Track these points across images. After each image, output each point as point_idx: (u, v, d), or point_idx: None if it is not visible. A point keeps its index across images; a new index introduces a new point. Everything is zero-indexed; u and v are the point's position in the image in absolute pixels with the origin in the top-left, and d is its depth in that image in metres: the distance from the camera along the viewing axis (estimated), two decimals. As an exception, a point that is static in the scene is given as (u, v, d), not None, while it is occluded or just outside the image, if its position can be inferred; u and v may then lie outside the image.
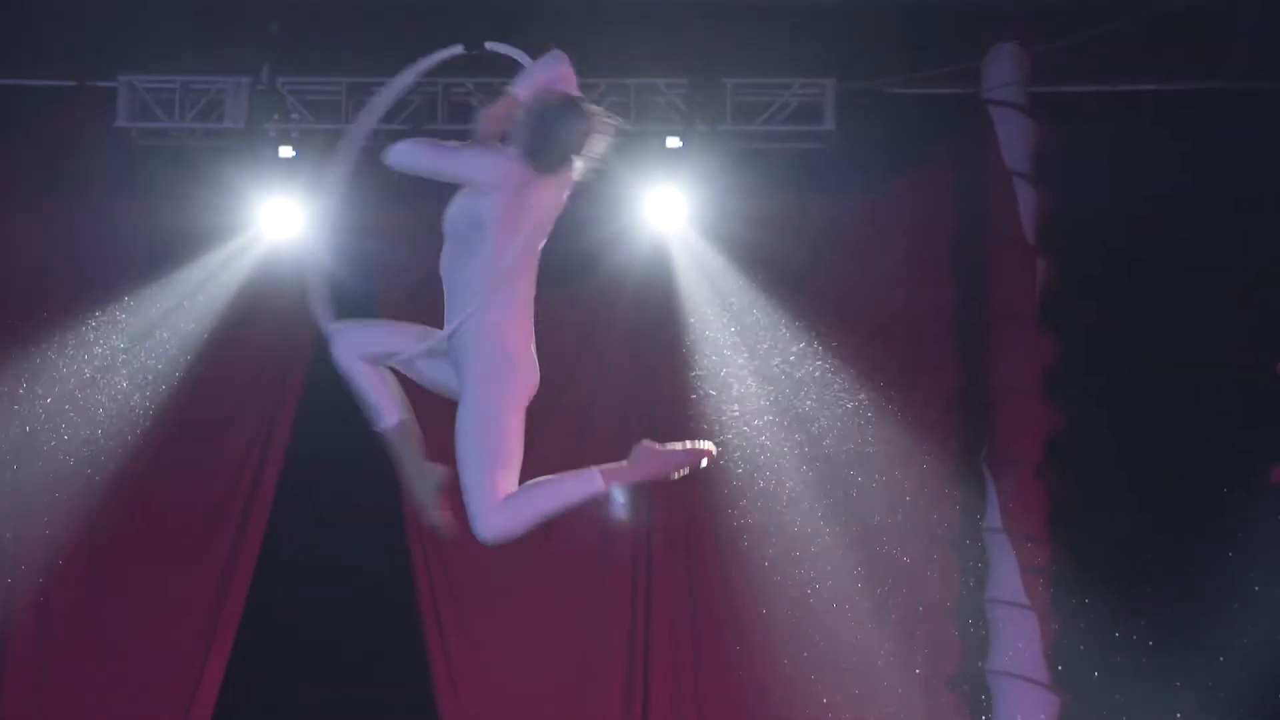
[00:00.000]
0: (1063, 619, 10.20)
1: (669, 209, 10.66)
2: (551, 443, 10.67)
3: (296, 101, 10.73)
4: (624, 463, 5.59)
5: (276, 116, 10.61)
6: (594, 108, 5.76)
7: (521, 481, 5.50)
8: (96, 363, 10.74)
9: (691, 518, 10.63)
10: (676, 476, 5.73)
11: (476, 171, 5.62)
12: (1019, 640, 10.16)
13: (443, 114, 10.72)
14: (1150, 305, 10.40)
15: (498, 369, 5.65)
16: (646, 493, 10.56)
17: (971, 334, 10.79)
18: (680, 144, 10.56)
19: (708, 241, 10.72)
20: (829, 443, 10.57)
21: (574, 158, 5.73)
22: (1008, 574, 10.28)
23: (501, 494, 5.48)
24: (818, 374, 10.63)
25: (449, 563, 10.55)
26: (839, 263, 10.77)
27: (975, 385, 10.69)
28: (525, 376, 5.73)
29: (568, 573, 10.66)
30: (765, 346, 10.71)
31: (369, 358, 5.80)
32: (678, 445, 5.65)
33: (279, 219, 10.62)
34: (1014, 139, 10.75)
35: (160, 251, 10.70)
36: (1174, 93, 10.80)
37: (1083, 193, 10.49)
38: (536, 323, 10.72)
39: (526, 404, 5.68)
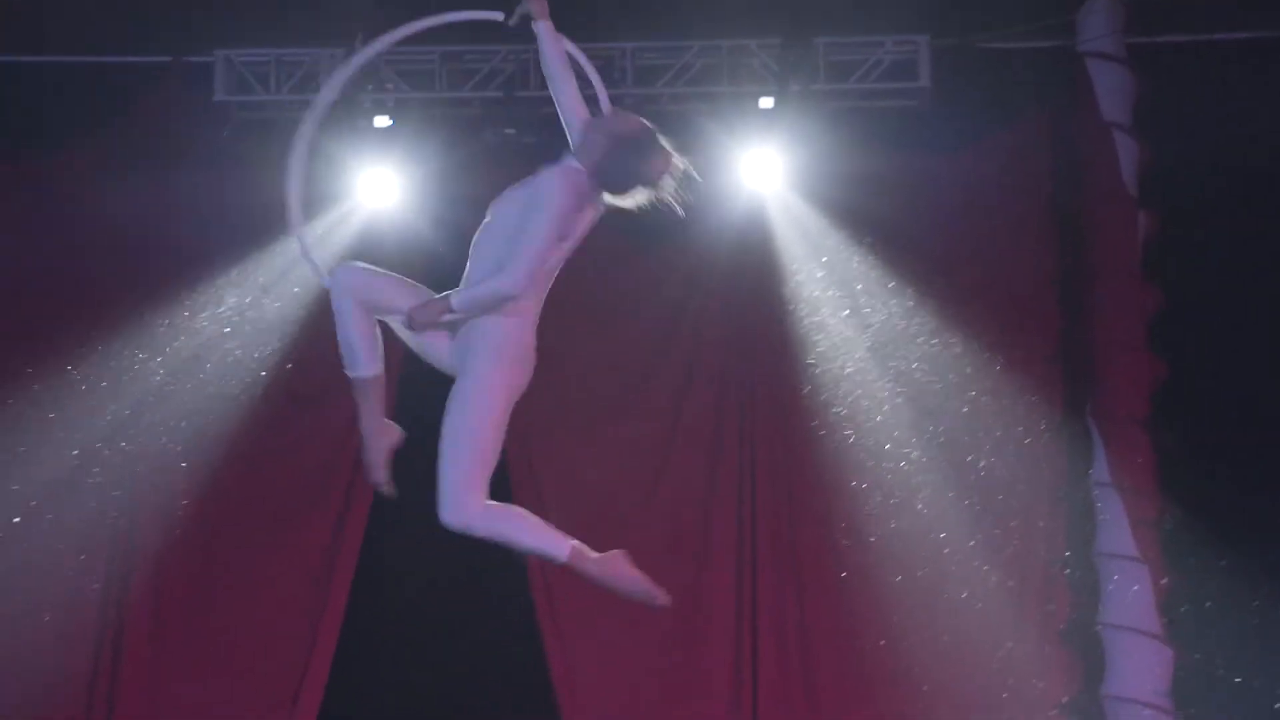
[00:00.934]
0: (1174, 571, 10.12)
1: (764, 170, 10.64)
2: (648, 415, 10.76)
3: (391, 71, 10.78)
4: (595, 555, 5.73)
5: (371, 87, 10.66)
6: (669, 147, 5.85)
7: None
8: (200, 338, 10.85)
9: (796, 477, 10.62)
10: (620, 595, 5.80)
11: (561, 221, 5.74)
12: (1130, 593, 10.11)
13: (535, 80, 10.73)
14: (1253, 254, 10.29)
15: (509, 367, 5.78)
16: (750, 446, 10.63)
17: (1073, 288, 10.70)
18: (774, 105, 10.53)
19: (805, 201, 10.69)
20: (933, 399, 10.53)
21: (641, 189, 5.75)
22: (1117, 527, 10.22)
23: (477, 485, 5.64)
24: (920, 331, 10.59)
25: (556, 525, 10.58)
26: (937, 220, 10.70)
27: (1078, 339, 10.60)
28: (528, 377, 5.85)
29: (674, 523, 10.68)
30: (866, 305, 10.68)
31: (366, 304, 5.84)
32: (643, 579, 5.77)
33: (377, 188, 10.68)
34: (1112, 91, 10.65)
35: (260, 224, 10.74)
36: (1273, 40, 10.64)
37: (1183, 143, 10.37)
38: (632, 288, 10.86)
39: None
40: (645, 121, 5.88)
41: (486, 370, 5.73)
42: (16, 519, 10.53)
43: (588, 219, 5.92)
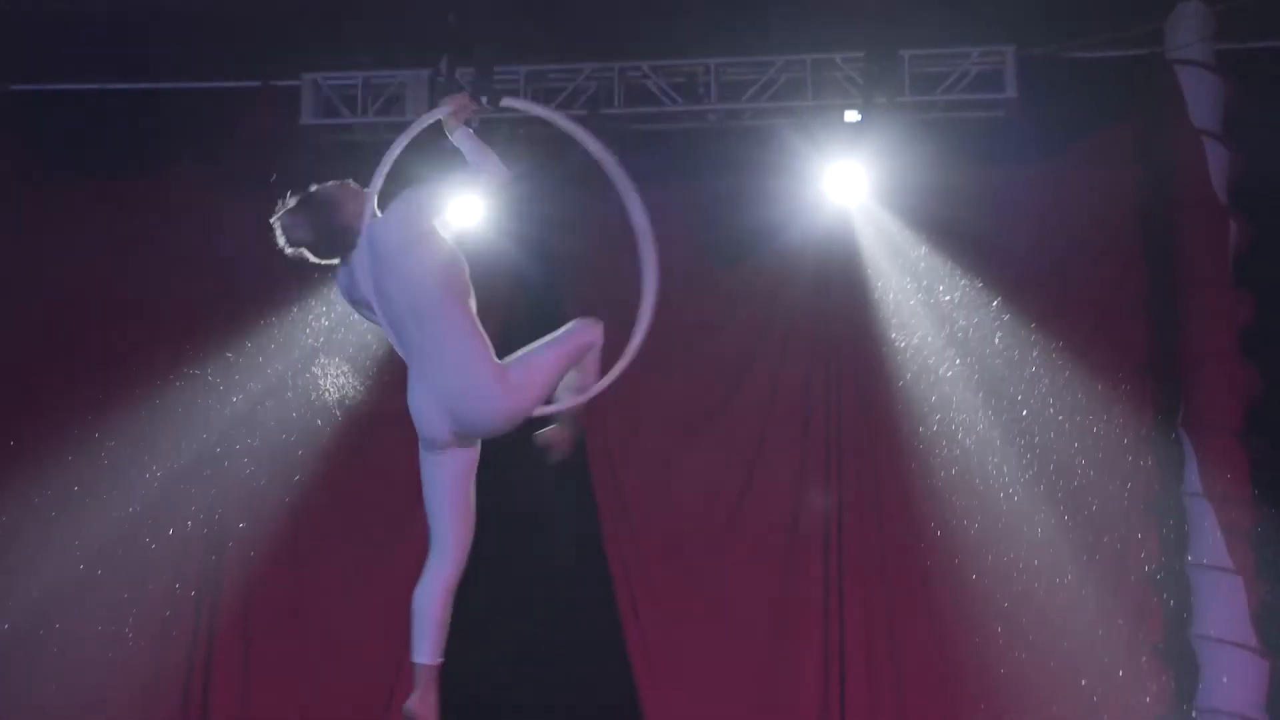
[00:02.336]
0: (1270, 582, 9.99)
1: (849, 184, 10.62)
2: (733, 429, 10.75)
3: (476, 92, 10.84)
4: None
5: (456, 108, 10.71)
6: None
7: None
8: (294, 355, 10.96)
9: (883, 492, 10.58)
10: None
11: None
12: (1224, 604, 9.98)
13: (620, 98, 10.77)
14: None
15: None
16: (838, 458, 10.59)
17: (1163, 298, 10.60)
18: (859, 118, 10.51)
19: (891, 214, 10.66)
20: (1023, 411, 10.46)
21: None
22: (1210, 538, 10.10)
23: None
24: (1008, 342, 10.52)
25: (643, 546, 10.62)
26: (1025, 231, 10.64)
27: (1169, 349, 10.50)
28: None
29: (759, 540, 10.66)
30: (954, 316, 10.63)
31: None
32: None
33: (463, 210, 10.73)
34: (1202, 98, 10.55)
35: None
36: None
37: (1275, 150, 10.24)
38: (718, 303, 10.84)
39: None
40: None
41: None
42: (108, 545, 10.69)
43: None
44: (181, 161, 11.17)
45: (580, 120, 6.66)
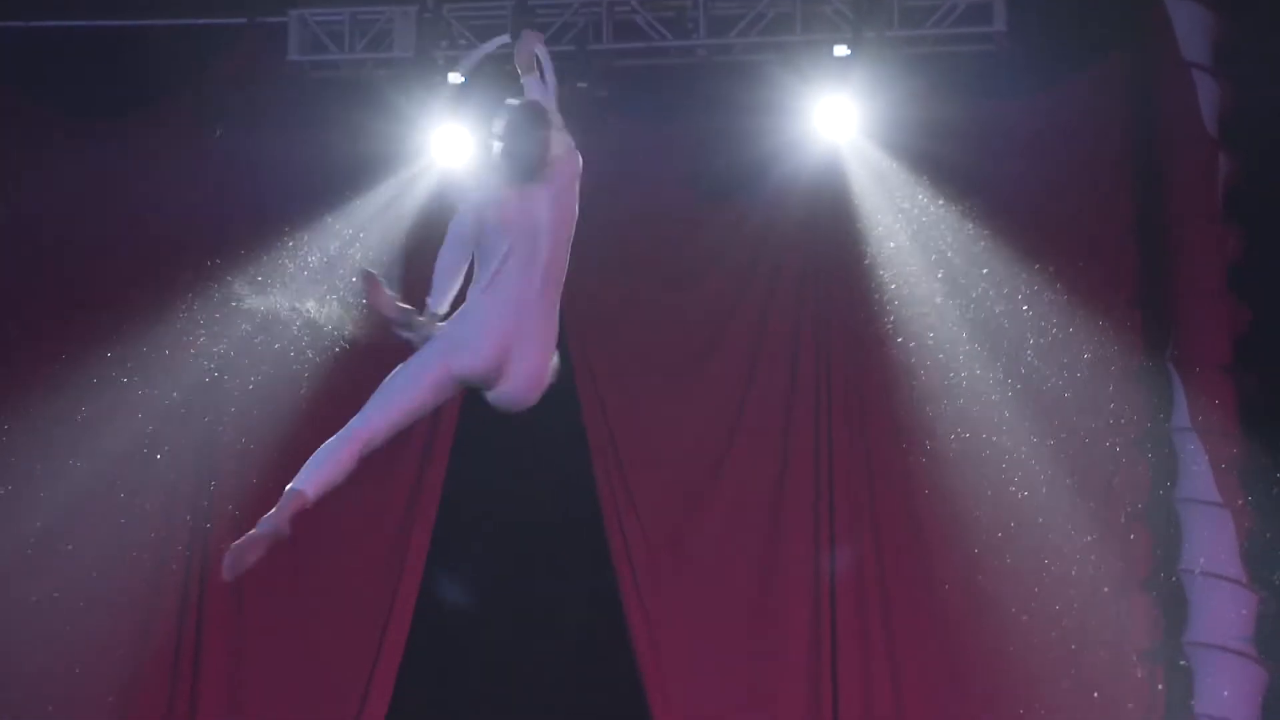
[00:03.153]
0: (1257, 516, 10.04)
1: (839, 119, 10.57)
2: (724, 370, 10.76)
3: (463, 27, 10.79)
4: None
5: (444, 43, 10.68)
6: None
7: None
8: (279, 295, 10.92)
9: (874, 429, 10.61)
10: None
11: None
12: (1213, 538, 10.03)
13: (607, 34, 10.72)
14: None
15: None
16: (827, 394, 10.61)
17: (1152, 232, 10.60)
18: (848, 52, 10.46)
19: (881, 149, 10.63)
20: (1012, 347, 10.47)
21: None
22: (1199, 472, 10.13)
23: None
24: (999, 278, 10.52)
25: (633, 487, 10.64)
26: (1014, 165, 10.60)
27: (1158, 284, 10.51)
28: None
29: (749, 480, 10.69)
30: (944, 251, 10.62)
31: None
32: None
33: (451, 145, 10.70)
34: (1191, 30, 10.51)
35: (336, 182, 10.83)
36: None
37: (1265, 83, 10.21)
38: (706, 242, 10.82)
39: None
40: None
41: None
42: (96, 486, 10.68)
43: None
44: (168, 99, 11.11)
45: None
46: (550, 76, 6.45)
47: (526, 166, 6.05)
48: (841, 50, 10.47)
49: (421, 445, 10.77)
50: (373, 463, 10.57)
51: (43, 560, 10.64)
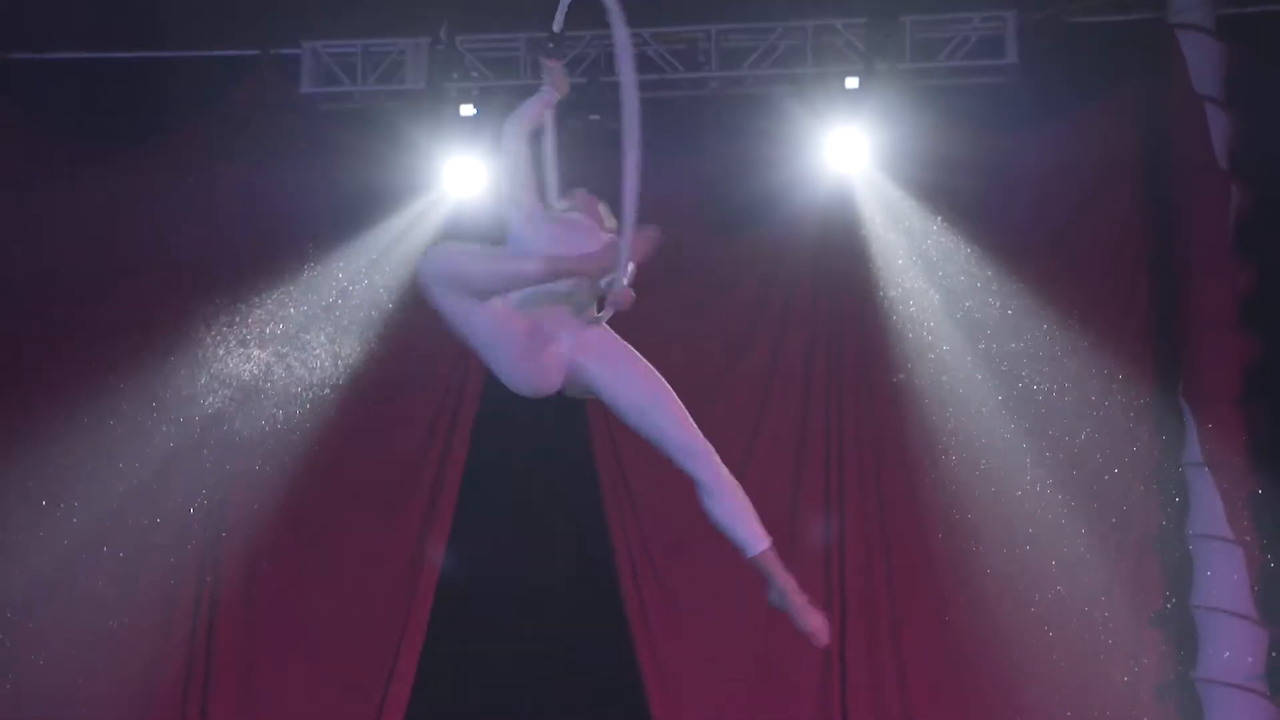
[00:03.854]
0: (1269, 552, 10.00)
1: (850, 150, 10.59)
2: (735, 399, 10.74)
3: (475, 59, 10.82)
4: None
5: (456, 75, 10.71)
6: None
7: None
8: (293, 326, 10.95)
9: (885, 457, 10.59)
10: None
11: None
12: (1224, 574, 10.00)
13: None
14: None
15: None
16: (838, 426, 10.58)
17: (1164, 265, 10.59)
18: (860, 84, 10.48)
19: (892, 181, 10.64)
20: (1023, 378, 10.46)
21: None
22: (1210, 507, 10.11)
23: None
24: (1011, 310, 10.51)
25: (643, 520, 10.62)
26: (1026, 197, 10.62)
27: (1169, 317, 10.49)
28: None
29: (761, 512, 10.65)
30: (957, 284, 10.62)
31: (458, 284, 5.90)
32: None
33: (463, 177, 10.73)
34: (1203, 63, 10.52)
35: (349, 213, 10.87)
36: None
37: (1277, 116, 10.21)
38: (719, 272, 10.83)
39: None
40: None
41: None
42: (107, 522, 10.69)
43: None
44: (182, 130, 11.15)
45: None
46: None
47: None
48: (853, 82, 10.51)
49: (435, 466, 10.77)
50: (384, 484, 10.73)
51: (54, 591, 10.63)
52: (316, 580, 10.81)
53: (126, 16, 10.81)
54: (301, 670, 10.69)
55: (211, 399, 10.89)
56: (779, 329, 10.87)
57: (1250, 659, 9.93)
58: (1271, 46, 10.38)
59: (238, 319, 10.92)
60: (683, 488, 10.48)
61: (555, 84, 6.38)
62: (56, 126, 11.23)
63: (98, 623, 10.58)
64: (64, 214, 11.07)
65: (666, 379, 10.60)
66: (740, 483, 10.50)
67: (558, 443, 10.54)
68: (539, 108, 6.38)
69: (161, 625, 10.68)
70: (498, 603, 10.70)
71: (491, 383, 10.76)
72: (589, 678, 10.71)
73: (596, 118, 10.40)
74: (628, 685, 10.51)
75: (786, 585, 6.07)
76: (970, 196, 10.58)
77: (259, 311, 10.94)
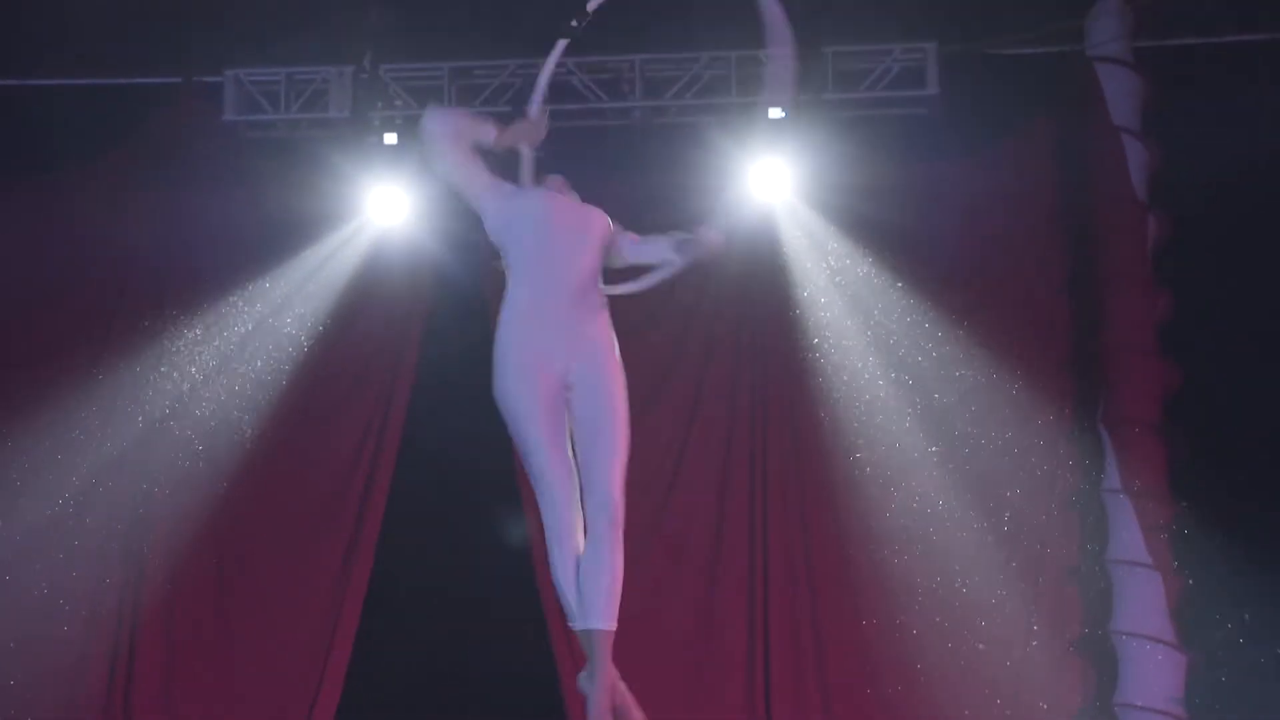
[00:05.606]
0: (1186, 577, 10.09)
1: (773, 180, 10.64)
2: (661, 426, 10.76)
3: (400, 88, 10.82)
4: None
5: (380, 104, 10.71)
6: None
7: None
8: (215, 353, 10.92)
9: (808, 486, 10.62)
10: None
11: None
12: (1143, 599, 10.08)
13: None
14: (1264, 258, 10.23)
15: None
16: (762, 456, 10.61)
17: (1083, 294, 10.68)
18: (783, 114, 10.53)
19: (814, 211, 10.69)
20: (944, 406, 10.53)
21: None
22: (1129, 533, 10.19)
23: None
24: (930, 339, 10.58)
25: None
26: (947, 227, 10.70)
27: (1089, 345, 10.58)
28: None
29: (684, 538, 10.68)
30: (877, 314, 10.68)
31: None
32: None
33: (386, 205, 10.72)
34: (1121, 95, 10.65)
35: (272, 241, 10.85)
36: (1281, 41, 10.62)
37: (1193, 147, 10.32)
38: (642, 300, 10.84)
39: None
40: None
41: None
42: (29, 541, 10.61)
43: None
44: (104, 157, 11.09)
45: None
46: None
47: None
48: (776, 112, 10.54)
49: (361, 488, 10.74)
50: (310, 507, 10.68)
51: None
52: (241, 601, 10.77)
53: (47, 42, 10.74)
54: (224, 693, 10.62)
55: (133, 425, 10.81)
56: (703, 359, 10.90)
57: (1169, 683, 10.00)
58: (1187, 78, 10.50)
59: (158, 347, 10.85)
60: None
61: (525, 136, 6.27)
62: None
63: (12, 643, 10.51)
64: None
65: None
66: (666, 504, 10.62)
67: (483, 465, 10.47)
68: (476, 135, 6.34)
69: (83, 649, 10.60)
70: (421, 633, 10.66)
71: (417, 404, 10.81)
72: (512, 698, 10.67)
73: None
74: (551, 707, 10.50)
75: (606, 678, 5.95)
76: (893, 226, 10.64)
77: (182, 337, 10.89)
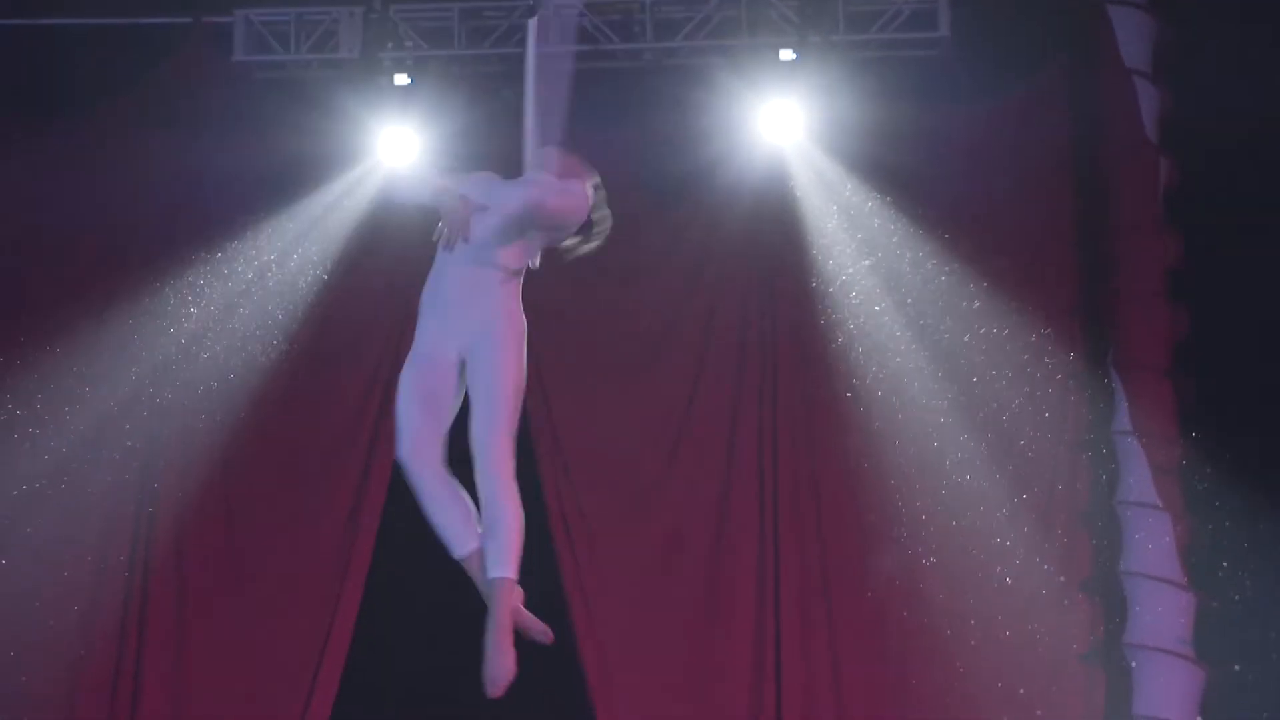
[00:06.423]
0: (1195, 518, 10.14)
1: (784, 123, 10.62)
2: (669, 373, 10.78)
3: (409, 29, 10.80)
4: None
5: (390, 44, 10.68)
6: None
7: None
8: (225, 295, 10.92)
9: (818, 433, 10.63)
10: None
11: None
12: (1152, 541, 10.11)
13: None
14: (1276, 201, 10.22)
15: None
16: (771, 399, 10.63)
17: (1093, 238, 10.68)
18: (794, 56, 10.52)
19: (825, 154, 10.68)
20: (954, 351, 10.53)
21: None
22: (1139, 476, 10.21)
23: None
24: (941, 282, 10.58)
25: (578, 487, 10.65)
26: (957, 170, 10.68)
27: (1099, 289, 10.59)
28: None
29: (695, 482, 10.71)
30: (888, 257, 10.67)
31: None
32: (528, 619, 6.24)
33: (397, 146, 10.70)
34: (1133, 38, 10.60)
35: (282, 183, 10.82)
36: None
37: (1205, 90, 10.30)
38: (652, 246, 10.87)
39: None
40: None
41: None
42: (41, 484, 10.63)
43: None
44: (113, 99, 11.07)
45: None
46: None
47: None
48: (787, 54, 10.54)
49: (369, 434, 10.76)
50: (317, 453, 10.71)
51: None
52: (249, 553, 10.78)
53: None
54: (234, 650, 10.65)
55: (141, 369, 10.82)
56: (713, 298, 10.88)
57: (1178, 623, 10.04)
58: (1199, 20, 10.45)
59: (169, 289, 10.86)
60: (626, 484, 10.62)
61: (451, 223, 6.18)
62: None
63: (27, 595, 10.53)
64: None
65: (600, 357, 10.74)
66: (675, 451, 10.63)
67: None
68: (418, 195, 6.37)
69: (93, 598, 10.63)
70: (433, 574, 10.68)
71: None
72: (524, 665, 10.70)
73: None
74: (566, 674, 10.52)
75: (503, 620, 6.09)
76: (903, 168, 10.62)
77: (191, 281, 10.90)
